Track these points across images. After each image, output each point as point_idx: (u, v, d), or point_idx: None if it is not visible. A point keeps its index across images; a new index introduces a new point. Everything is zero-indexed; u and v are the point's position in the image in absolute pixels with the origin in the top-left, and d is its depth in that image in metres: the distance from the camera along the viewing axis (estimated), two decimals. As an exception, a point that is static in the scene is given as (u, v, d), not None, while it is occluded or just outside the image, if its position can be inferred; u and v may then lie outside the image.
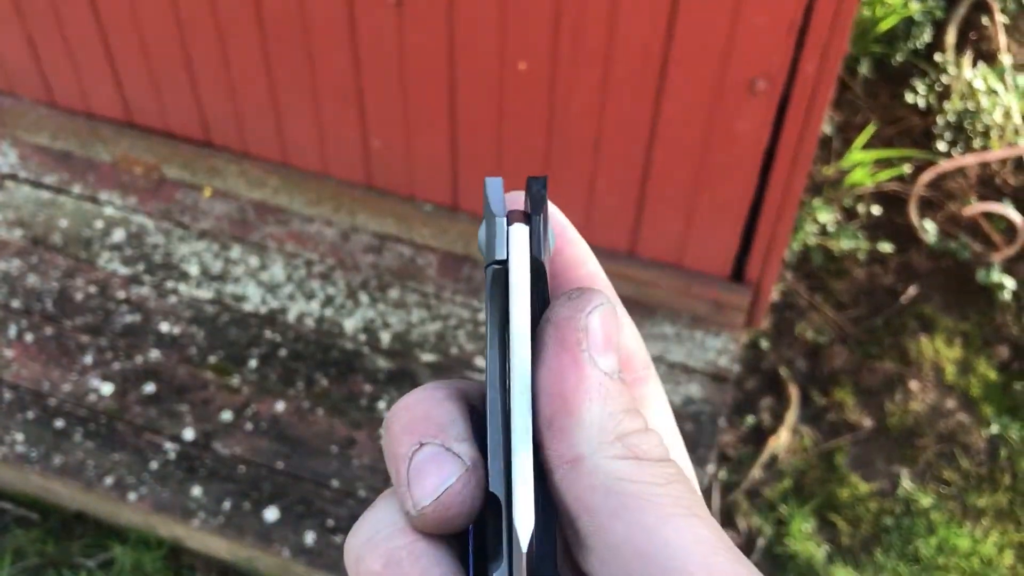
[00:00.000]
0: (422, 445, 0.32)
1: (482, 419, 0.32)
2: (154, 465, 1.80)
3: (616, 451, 0.30)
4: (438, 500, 0.31)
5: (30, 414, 1.85)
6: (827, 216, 2.27)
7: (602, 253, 2.23)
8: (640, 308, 1.97)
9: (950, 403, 2.11)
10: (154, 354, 1.92)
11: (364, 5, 1.73)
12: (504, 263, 0.32)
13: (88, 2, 1.95)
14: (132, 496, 1.77)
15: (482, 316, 1.96)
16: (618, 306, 0.34)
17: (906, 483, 2.02)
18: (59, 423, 1.84)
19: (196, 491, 1.77)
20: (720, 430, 1.92)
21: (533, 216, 0.32)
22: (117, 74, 2.08)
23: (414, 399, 0.33)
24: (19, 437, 1.83)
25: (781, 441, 2.06)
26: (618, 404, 0.30)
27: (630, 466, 0.30)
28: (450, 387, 0.33)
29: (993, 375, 2.14)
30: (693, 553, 0.28)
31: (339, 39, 1.80)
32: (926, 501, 1.99)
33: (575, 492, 0.30)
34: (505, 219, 0.32)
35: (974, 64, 2.46)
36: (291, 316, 1.97)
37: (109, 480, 1.78)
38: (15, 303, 1.99)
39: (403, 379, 1.89)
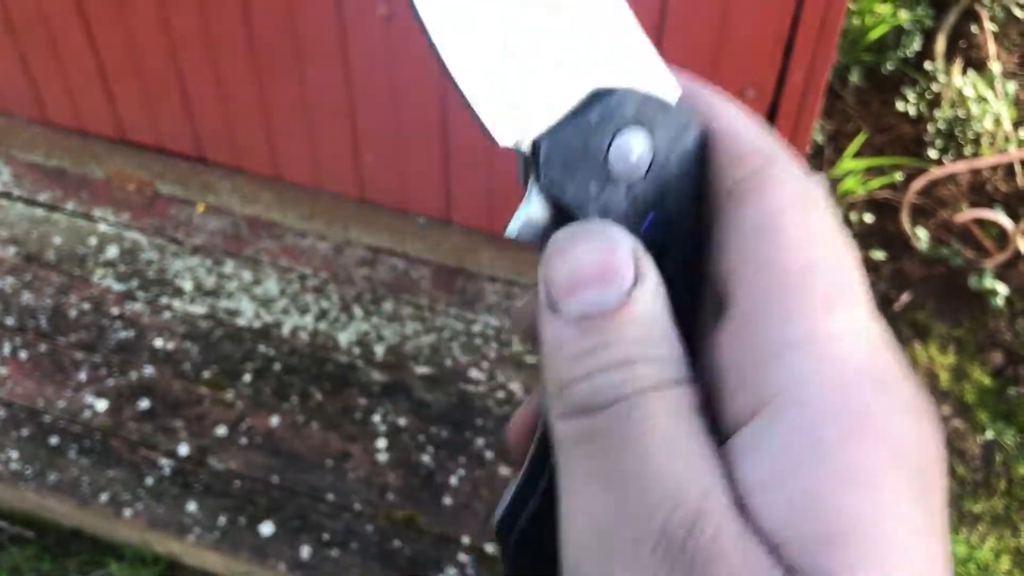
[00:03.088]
0: None
1: None
2: (149, 481, 1.80)
3: (558, 408, 0.26)
4: None
5: (24, 431, 1.85)
6: (819, 224, 2.28)
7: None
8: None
9: (945, 409, 2.12)
10: (148, 370, 1.92)
11: (354, 20, 1.74)
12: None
13: (80, 20, 1.96)
14: (127, 512, 1.77)
15: (476, 328, 1.97)
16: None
17: (902, 490, 2.02)
18: (54, 440, 1.84)
19: (191, 506, 1.77)
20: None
21: None
22: (110, 91, 2.08)
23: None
24: (13, 455, 1.83)
25: (776, 449, 2.06)
26: (572, 349, 0.26)
27: (563, 427, 0.26)
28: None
29: (987, 381, 2.15)
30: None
31: (330, 54, 1.81)
32: (922, 508, 1.99)
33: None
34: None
35: (964, 72, 2.47)
36: (285, 330, 1.98)
37: (104, 497, 1.78)
38: (9, 320, 1.99)
39: (397, 392, 1.89)
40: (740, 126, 0.30)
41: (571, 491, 0.26)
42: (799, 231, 0.27)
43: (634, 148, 0.27)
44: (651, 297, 0.26)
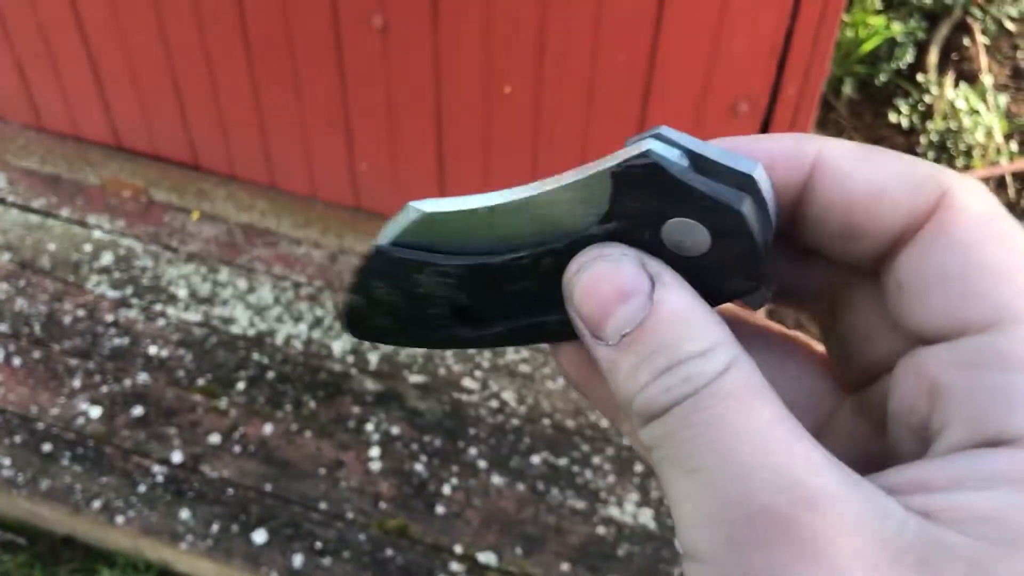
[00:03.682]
0: None
1: None
2: (142, 488, 1.80)
3: (634, 423, 0.27)
4: None
5: (17, 438, 1.85)
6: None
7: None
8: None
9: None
10: (142, 377, 1.93)
11: (350, 30, 1.74)
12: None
13: (76, 27, 1.97)
14: (120, 519, 1.77)
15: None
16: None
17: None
18: (47, 447, 1.84)
19: (184, 514, 1.77)
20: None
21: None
22: (105, 98, 2.09)
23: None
24: (6, 461, 1.82)
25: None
26: (624, 367, 0.27)
27: (644, 437, 0.27)
28: None
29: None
30: None
31: (325, 63, 1.81)
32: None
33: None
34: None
35: (956, 84, 2.49)
36: (279, 338, 1.98)
37: (97, 504, 1.78)
38: (3, 327, 1.99)
39: (391, 401, 1.89)
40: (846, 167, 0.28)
41: (670, 488, 0.26)
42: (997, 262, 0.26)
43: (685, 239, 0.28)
44: (674, 294, 0.27)
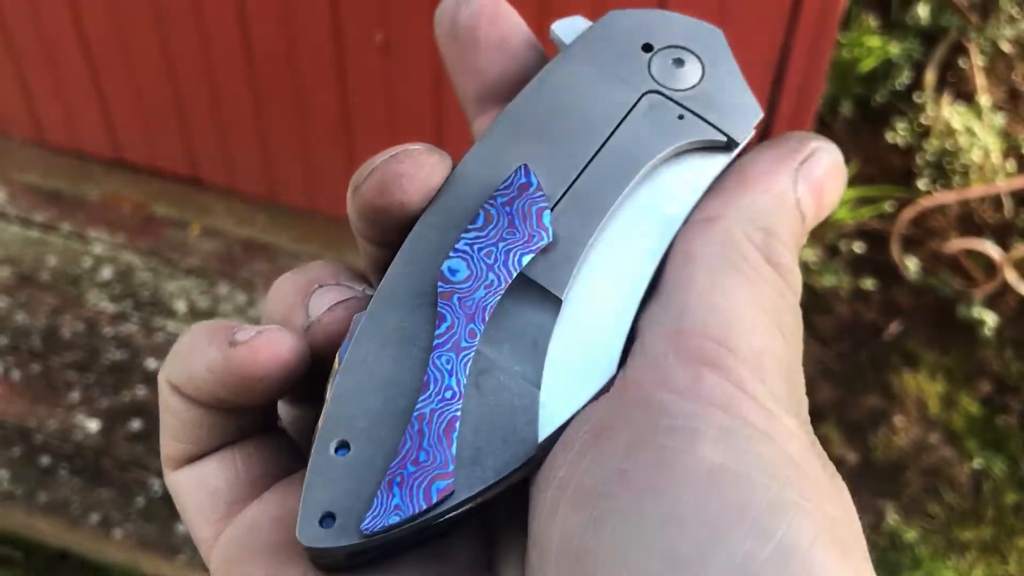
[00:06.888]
0: (320, 286, 0.30)
1: None
2: (140, 502, 1.80)
3: (756, 237, 0.26)
4: (331, 312, 0.29)
5: (15, 451, 1.85)
6: (810, 253, 2.30)
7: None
8: (625, 344, 1.98)
9: (934, 437, 2.13)
10: (141, 391, 1.93)
11: (352, 48, 1.76)
12: None
13: (79, 43, 1.98)
14: (117, 533, 1.76)
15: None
16: None
17: (891, 517, 2.02)
18: (45, 460, 1.84)
19: (182, 528, 1.77)
20: (705, 465, 1.92)
21: None
22: (108, 113, 2.10)
23: (302, 269, 0.32)
24: (4, 475, 1.82)
25: (766, 476, 2.06)
26: (788, 224, 0.27)
27: (751, 255, 0.26)
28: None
29: (976, 409, 2.16)
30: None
31: (327, 81, 1.82)
32: (911, 535, 2.00)
33: (687, 247, 0.26)
34: None
35: (953, 104, 2.50)
36: (278, 352, 1.98)
37: (94, 517, 1.78)
38: (2, 340, 1.99)
39: (389, 415, 1.89)
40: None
41: None
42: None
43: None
44: None
